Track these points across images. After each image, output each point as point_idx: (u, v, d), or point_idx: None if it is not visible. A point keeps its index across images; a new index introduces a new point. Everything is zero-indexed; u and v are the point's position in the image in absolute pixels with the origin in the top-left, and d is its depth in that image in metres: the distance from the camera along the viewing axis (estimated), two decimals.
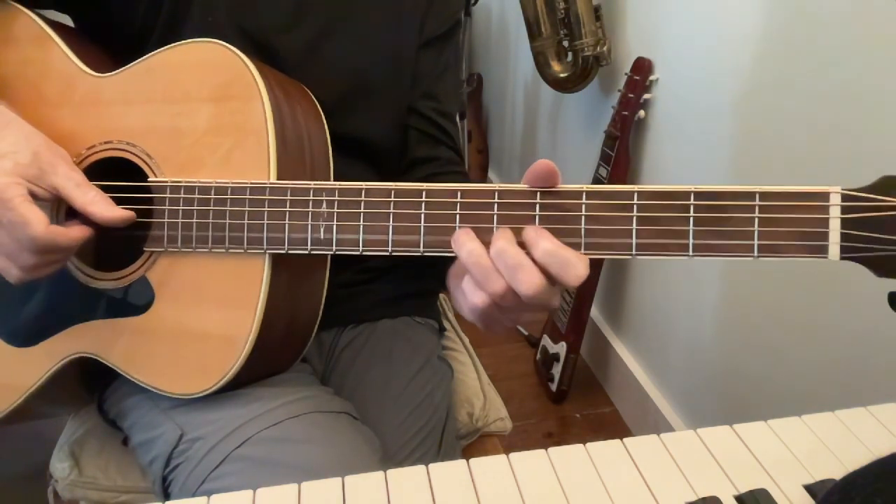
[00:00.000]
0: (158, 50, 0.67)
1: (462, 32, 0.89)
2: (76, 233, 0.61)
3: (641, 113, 1.45)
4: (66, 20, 0.76)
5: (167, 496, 0.68)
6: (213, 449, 0.63)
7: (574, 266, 0.50)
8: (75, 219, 0.63)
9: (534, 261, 0.50)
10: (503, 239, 0.51)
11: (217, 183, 0.62)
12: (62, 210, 0.65)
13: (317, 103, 0.72)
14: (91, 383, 0.78)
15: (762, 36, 1.11)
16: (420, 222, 0.56)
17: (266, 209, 0.60)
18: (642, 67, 1.43)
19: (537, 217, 0.53)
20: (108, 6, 0.72)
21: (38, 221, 0.58)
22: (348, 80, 0.77)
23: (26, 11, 0.71)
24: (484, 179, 2.71)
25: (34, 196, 0.60)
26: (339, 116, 0.74)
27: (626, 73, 1.47)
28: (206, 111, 0.65)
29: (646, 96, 1.44)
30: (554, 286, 0.51)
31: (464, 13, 1.77)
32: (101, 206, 0.61)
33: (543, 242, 0.51)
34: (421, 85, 0.83)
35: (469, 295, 0.53)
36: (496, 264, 0.51)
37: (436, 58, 0.84)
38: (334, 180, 0.70)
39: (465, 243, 0.53)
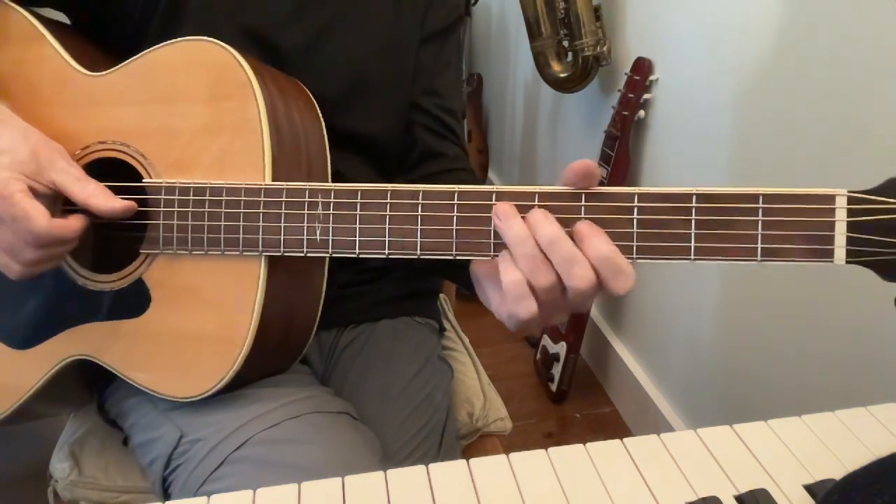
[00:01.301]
0: (152, 48, 0.66)
1: (462, 32, 0.89)
2: (76, 223, 0.61)
3: (641, 113, 1.45)
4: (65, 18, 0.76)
5: (167, 497, 0.68)
6: (213, 450, 0.63)
7: (627, 276, 0.49)
8: (74, 214, 0.62)
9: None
10: (550, 227, 0.49)
11: (211, 184, 0.62)
12: (58, 205, 0.65)
13: (314, 101, 0.71)
14: (91, 383, 0.78)
15: (762, 35, 1.11)
16: (417, 224, 0.55)
17: (261, 211, 0.60)
18: (642, 67, 1.43)
19: None
20: (106, 3, 0.71)
21: (40, 216, 0.58)
22: (349, 75, 0.77)
23: (18, 9, 0.70)
24: (484, 179, 2.71)
25: (34, 192, 0.60)
26: (340, 112, 0.73)
27: (626, 73, 1.47)
28: (200, 111, 0.64)
29: (646, 96, 1.43)
30: (600, 289, 0.49)
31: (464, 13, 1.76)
32: (101, 198, 0.61)
33: (599, 244, 0.49)
34: (422, 80, 0.82)
35: (513, 304, 0.50)
36: (548, 255, 0.49)
37: (437, 53, 0.83)
38: (333, 176, 0.70)
39: (512, 225, 0.50)
